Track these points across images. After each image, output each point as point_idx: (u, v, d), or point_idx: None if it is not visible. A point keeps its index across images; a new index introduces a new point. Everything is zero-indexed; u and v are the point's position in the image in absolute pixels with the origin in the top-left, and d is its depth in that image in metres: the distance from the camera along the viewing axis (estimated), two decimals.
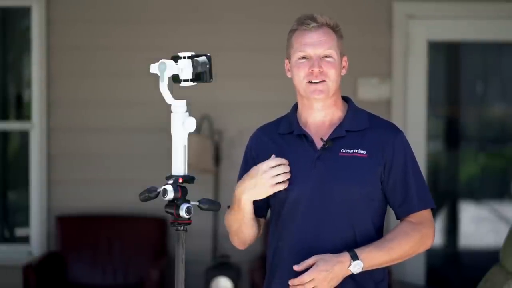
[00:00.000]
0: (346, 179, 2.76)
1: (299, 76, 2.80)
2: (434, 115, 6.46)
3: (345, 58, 2.87)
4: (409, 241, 2.79)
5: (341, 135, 2.81)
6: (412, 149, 2.89)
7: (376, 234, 2.82)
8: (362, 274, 2.75)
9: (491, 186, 7.00)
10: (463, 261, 6.72)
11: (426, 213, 2.84)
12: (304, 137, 2.83)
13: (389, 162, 2.80)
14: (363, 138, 2.81)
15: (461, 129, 6.73)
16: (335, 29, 2.83)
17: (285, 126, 2.89)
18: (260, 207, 2.92)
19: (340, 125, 2.83)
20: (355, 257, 2.71)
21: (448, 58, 6.75)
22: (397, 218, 2.87)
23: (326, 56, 2.79)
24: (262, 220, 2.97)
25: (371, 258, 2.73)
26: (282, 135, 2.88)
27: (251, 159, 2.92)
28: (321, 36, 2.79)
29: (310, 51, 2.78)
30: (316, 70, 2.77)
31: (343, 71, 2.87)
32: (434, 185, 6.57)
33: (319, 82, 2.78)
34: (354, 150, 2.79)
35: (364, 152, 2.79)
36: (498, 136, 6.86)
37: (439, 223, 6.69)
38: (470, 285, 4.45)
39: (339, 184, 2.76)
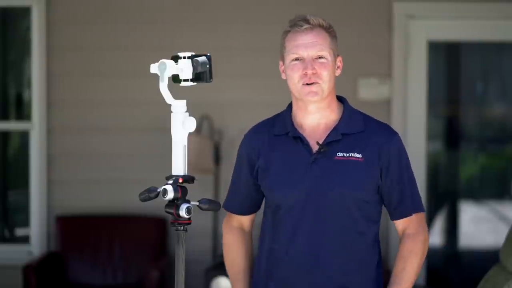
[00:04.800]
0: (341, 184, 2.77)
1: (293, 78, 2.79)
2: (434, 115, 6.46)
3: (339, 59, 2.86)
4: (417, 258, 2.84)
5: (336, 138, 2.80)
6: (408, 150, 2.90)
7: (371, 233, 2.84)
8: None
9: (491, 186, 7.00)
10: (463, 261, 6.72)
11: (420, 217, 2.88)
12: (300, 139, 2.83)
13: (385, 166, 2.80)
14: (359, 141, 2.80)
15: (461, 129, 6.73)
16: (328, 30, 2.81)
17: (280, 127, 2.88)
18: (251, 208, 2.98)
19: (336, 128, 2.82)
20: None
21: (448, 58, 6.75)
22: (391, 220, 2.90)
23: (319, 57, 2.78)
24: (254, 215, 3.02)
25: None
26: (277, 136, 2.87)
27: (248, 162, 2.91)
28: (313, 37, 2.78)
29: (303, 53, 2.77)
30: (309, 72, 2.76)
31: (338, 72, 2.86)
32: (434, 185, 6.57)
33: (312, 83, 2.77)
34: (350, 154, 2.78)
35: (360, 155, 2.78)
36: (498, 136, 6.86)
37: (439, 223, 6.69)
38: (470, 285, 4.44)
39: (334, 189, 2.77)
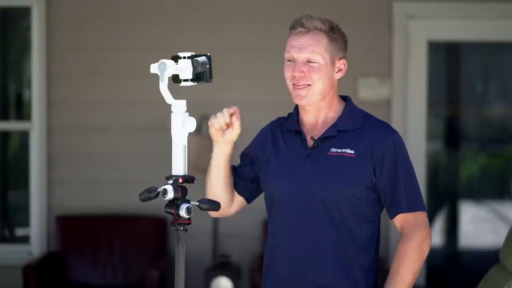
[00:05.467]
0: (331, 179, 2.78)
1: (287, 78, 2.85)
2: (434, 115, 6.46)
3: (342, 61, 2.85)
4: (411, 259, 2.78)
5: (332, 134, 2.82)
6: (408, 150, 2.88)
7: (363, 233, 2.82)
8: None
9: (491, 186, 7.00)
10: (463, 261, 6.72)
11: (417, 217, 2.82)
12: (299, 134, 2.87)
13: (379, 163, 2.79)
14: (353, 138, 2.81)
15: (461, 129, 6.73)
16: (327, 32, 2.81)
17: (288, 124, 2.94)
18: (240, 183, 3.00)
19: (333, 125, 2.84)
20: None
21: (448, 58, 6.75)
22: (390, 219, 2.87)
23: (310, 61, 2.79)
24: (239, 198, 3.00)
25: None
26: (284, 131, 2.93)
27: (254, 154, 2.98)
28: (306, 41, 2.79)
29: (295, 54, 2.81)
30: (296, 74, 2.79)
31: (338, 75, 2.86)
32: (434, 185, 6.57)
33: (302, 87, 2.80)
34: (343, 150, 2.80)
35: (352, 152, 2.79)
36: (498, 136, 6.86)
37: (439, 223, 6.69)
38: (470, 285, 4.45)
39: (324, 183, 2.78)
